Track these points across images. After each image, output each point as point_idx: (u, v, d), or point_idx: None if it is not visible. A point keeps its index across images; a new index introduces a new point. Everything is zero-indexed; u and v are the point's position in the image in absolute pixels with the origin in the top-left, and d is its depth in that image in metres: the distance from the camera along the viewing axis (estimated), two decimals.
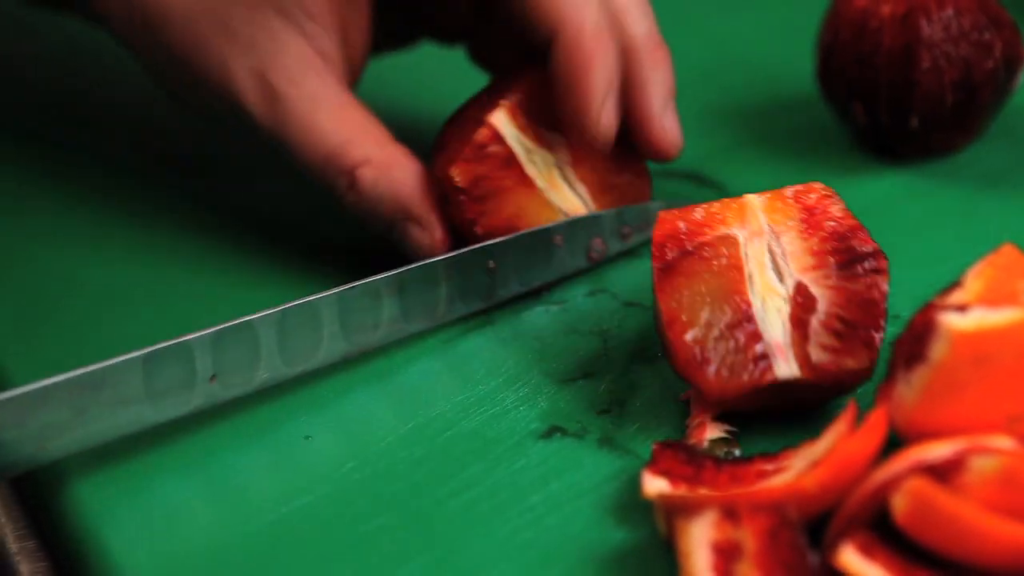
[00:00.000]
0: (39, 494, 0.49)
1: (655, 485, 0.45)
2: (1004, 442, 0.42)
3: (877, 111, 0.60)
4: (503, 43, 0.60)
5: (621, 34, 0.54)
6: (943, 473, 0.41)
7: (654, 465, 0.46)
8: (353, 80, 0.57)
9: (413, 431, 0.49)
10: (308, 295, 0.50)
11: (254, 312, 0.49)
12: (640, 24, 0.55)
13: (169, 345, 0.47)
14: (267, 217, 0.61)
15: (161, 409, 0.47)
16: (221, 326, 0.48)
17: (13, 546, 0.49)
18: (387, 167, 0.54)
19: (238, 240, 0.59)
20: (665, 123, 0.55)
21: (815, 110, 0.64)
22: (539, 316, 0.55)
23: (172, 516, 0.47)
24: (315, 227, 0.60)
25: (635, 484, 0.47)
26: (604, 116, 0.53)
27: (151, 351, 0.47)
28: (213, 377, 0.48)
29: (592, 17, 0.53)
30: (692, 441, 0.48)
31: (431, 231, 0.54)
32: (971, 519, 0.40)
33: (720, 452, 0.48)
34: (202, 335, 0.48)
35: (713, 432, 0.48)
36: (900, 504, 0.41)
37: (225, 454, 0.49)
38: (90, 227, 0.61)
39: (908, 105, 0.59)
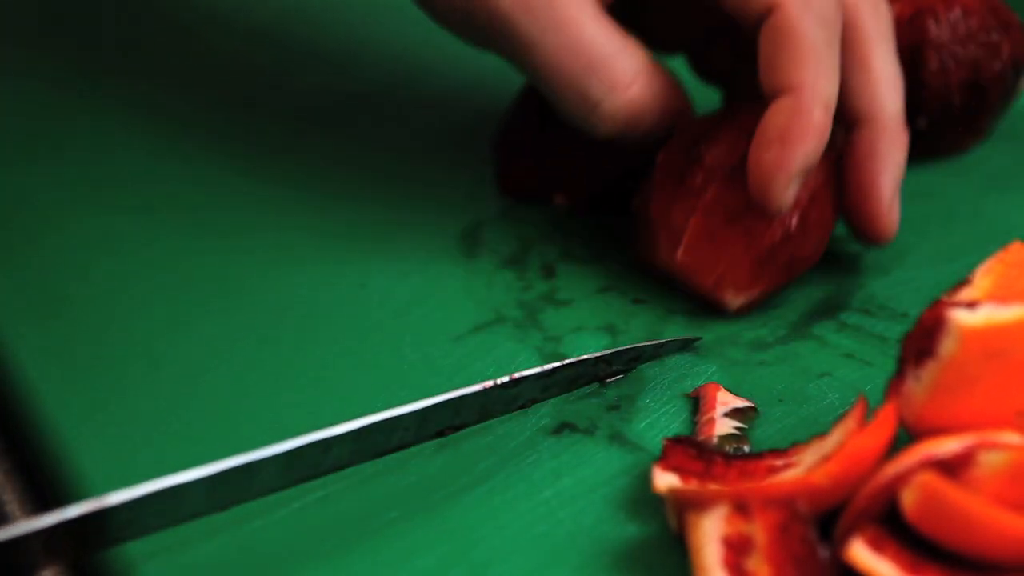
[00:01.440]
0: (52, 489, 0.49)
1: (665, 480, 0.45)
2: (1013, 437, 0.43)
3: None
4: (727, 55, 0.58)
5: (873, 103, 0.53)
6: (952, 468, 0.42)
7: (664, 461, 0.46)
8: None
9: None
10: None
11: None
12: (895, 100, 0.53)
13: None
14: (276, 205, 0.61)
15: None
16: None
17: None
18: (656, 78, 0.52)
19: (246, 228, 0.60)
20: (894, 209, 0.54)
21: None
22: (548, 313, 0.55)
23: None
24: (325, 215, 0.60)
25: (645, 479, 0.47)
26: (788, 189, 0.51)
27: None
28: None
29: (828, 93, 0.50)
30: (702, 437, 0.48)
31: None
32: (980, 513, 0.40)
33: (730, 448, 0.48)
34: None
35: (723, 428, 0.49)
36: (910, 499, 0.41)
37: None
38: (101, 214, 0.61)
39: (916, 106, 0.60)
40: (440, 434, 0.48)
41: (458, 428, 0.49)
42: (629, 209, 0.56)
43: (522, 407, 0.50)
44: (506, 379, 0.49)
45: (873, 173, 0.53)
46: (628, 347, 0.51)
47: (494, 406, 0.49)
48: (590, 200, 0.59)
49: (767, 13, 0.51)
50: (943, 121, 0.60)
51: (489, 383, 0.48)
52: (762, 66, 0.51)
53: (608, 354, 0.51)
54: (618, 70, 0.51)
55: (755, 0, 0.51)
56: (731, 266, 0.52)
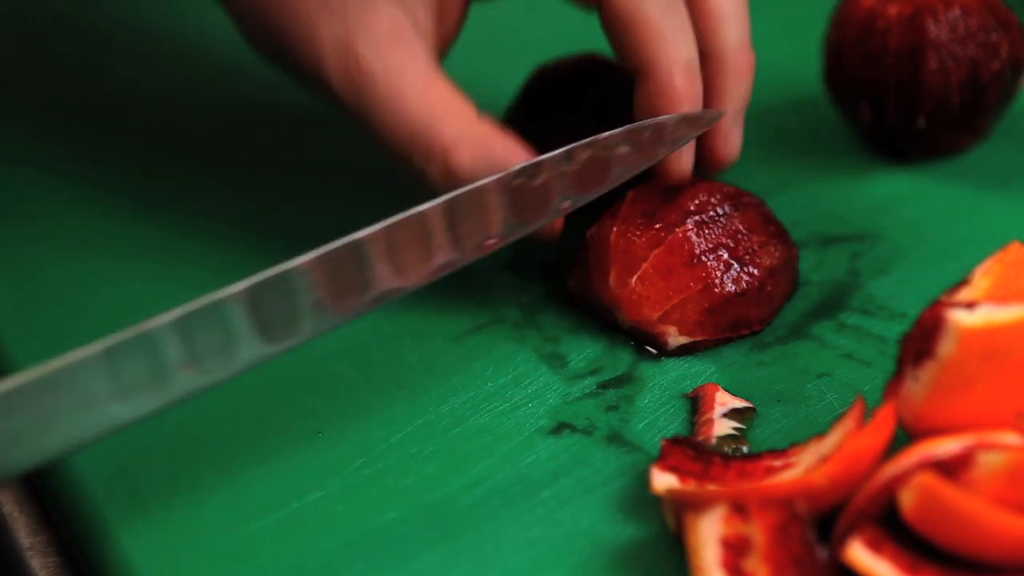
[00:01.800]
0: (50, 491, 0.49)
1: (664, 481, 0.45)
2: (1012, 438, 0.43)
3: (884, 111, 0.60)
4: None
5: (711, 40, 0.53)
6: (951, 469, 0.42)
7: (662, 461, 0.46)
8: (443, 53, 0.54)
9: (423, 427, 0.50)
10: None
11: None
12: (733, 33, 0.53)
13: (133, 336, 0.43)
14: (282, 218, 0.61)
15: (135, 406, 0.43)
16: (187, 309, 0.44)
17: (24, 541, 0.49)
18: (486, 141, 0.51)
19: (248, 231, 0.60)
20: (731, 137, 0.54)
21: (822, 110, 0.64)
22: (547, 314, 0.55)
23: (183, 512, 0.47)
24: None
25: (644, 480, 0.47)
26: (684, 156, 0.53)
27: (113, 344, 0.43)
28: (187, 366, 0.44)
29: (683, 58, 0.51)
30: (700, 437, 0.48)
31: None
32: (979, 514, 0.40)
33: (728, 448, 0.48)
34: (166, 320, 0.43)
35: (721, 428, 0.49)
36: (908, 499, 0.41)
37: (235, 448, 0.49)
38: (98, 218, 0.61)
39: (915, 105, 0.60)
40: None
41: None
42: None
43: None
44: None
45: (711, 104, 0.54)
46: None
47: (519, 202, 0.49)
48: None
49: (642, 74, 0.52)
50: (942, 120, 0.60)
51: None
52: (614, 51, 0.52)
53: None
54: (437, 138, 0.51)
55: (633, 61, 0.52)
56: (681, 306, 0.52)
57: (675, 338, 0.52)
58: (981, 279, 0.46)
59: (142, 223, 0.61)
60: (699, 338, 0.52)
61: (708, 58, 0.53)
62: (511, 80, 0.60)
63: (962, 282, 0.46)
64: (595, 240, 0.54)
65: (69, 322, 0.56)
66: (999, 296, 0.45)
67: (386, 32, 0.51)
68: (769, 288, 0.53)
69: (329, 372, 0.52)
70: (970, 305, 0.43)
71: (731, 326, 0.52)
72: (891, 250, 0.57)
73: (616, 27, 0.51)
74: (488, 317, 0.55)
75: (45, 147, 0.67)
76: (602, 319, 0.53)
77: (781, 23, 0.73)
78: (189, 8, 0.75)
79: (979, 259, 0.47)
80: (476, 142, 0.51)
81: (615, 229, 0.53)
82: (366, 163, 0.64)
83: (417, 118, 0.51)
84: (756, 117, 0.56)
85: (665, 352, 0.52)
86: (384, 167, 0.63)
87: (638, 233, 0.52)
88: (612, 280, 0.52)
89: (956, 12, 0.59)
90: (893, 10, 0.60)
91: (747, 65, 0.54)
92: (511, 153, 0.51)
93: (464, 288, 0.56)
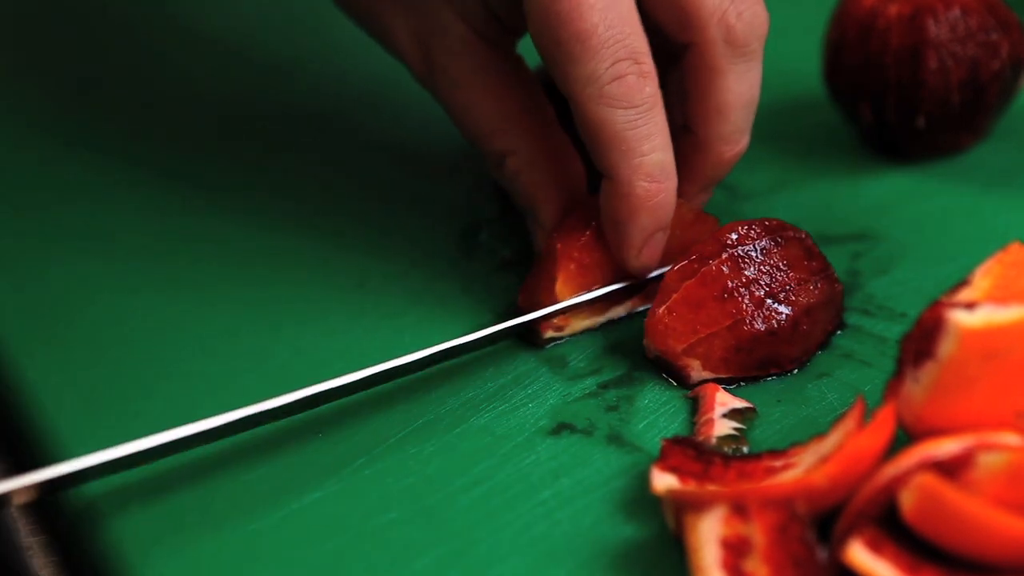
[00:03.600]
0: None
1: (664, 481, 0.45)
2: (1012, 438, 0.43)
3: (884, 110, 0.60)
4: None
5: (700, 128, 0.53)
6: (951, 469, 0.41)
7: (663, 461, 0.46)
8: (509, 56, 0.55)
9: (423, 427, 0.50)
10: None
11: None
12: (727, 124, 0.53)
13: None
14: (274, 207, 0.61)
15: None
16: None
17: (24, 540, 0.49)
18: (530, 164, 0.54)
19: (254, 242, 0.60)
20: (694, 203, 0.55)
21: (822, 110, 0.64)
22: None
23: (183, 512, 0.47)
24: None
25: (644, 480, 0.47)
26: (644, 255, 0.52)
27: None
28: None
29: (646, 167, 0.51)
30: (700, 438, 0.48)
31: (543, 238, 0.54)
32: (979, 515, 0.40)
33: (728, 448, 0.48)
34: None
35: (721, 429, 0.49)
36: (908, 500, 0.41)
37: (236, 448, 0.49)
38: (100, 220, 0.61)
39: (915, 105, 0.60)
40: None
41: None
42: None
43: None
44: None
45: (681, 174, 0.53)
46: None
47: None
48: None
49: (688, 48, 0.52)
50: (942, 120, 0.60)
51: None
52: (588, 152, 0.52)
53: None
54: (496, 145, 0.54)
55: (563, 87, 0.51)
56: (708, 340, 0.51)
57: (698, 372, 0.51)
58: (981, 279, 0.46)
59: (144, 226, 0.61)
60: (723, 375, 0.51)
61: (695, 141, 0.54)
62: None
63: (962, 282, 0.46)
64: (544, 253, 0.54)
65: (70, 324, 0.56)
66: (999, 296, 0.45)
67: (454, 38, 0.53)
68: (804, 327, 0.51)
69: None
70: (970, 305, 0.43)
71: (759, 365, 0.51)
72: (891, 250, 0.57)
73: (583, 132, 0.51)
74: (487, 317, 0.55)
75: (47, 146, 0.67)
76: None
77: (781, 23, 0.73)
78: (190, 9, 0.75)
79: (979, 259, 0.47)
80: (526, 158, 0.54)
81: (559, 243, 0.53)
82: (369, 163, 0.64)
83: (482, 123, 0.54)
84: (756, 117, 0.56)
85: (687, 385, 0.51)
86: (389, 166, 0.64)
87: (671, 263, 0.52)
88: (555, 288, 0.53)
89: (956, 12, 0.59)
90: (893, 10, 0.60)
91: (731, 154, 0.54)
92: (551, 181, 0.54)
93: (464, 288, 0.56)
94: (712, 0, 0.51)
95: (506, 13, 0.53)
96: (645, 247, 0.52)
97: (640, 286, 0.54)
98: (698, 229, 0.54)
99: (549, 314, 0.52)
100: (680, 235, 0.53)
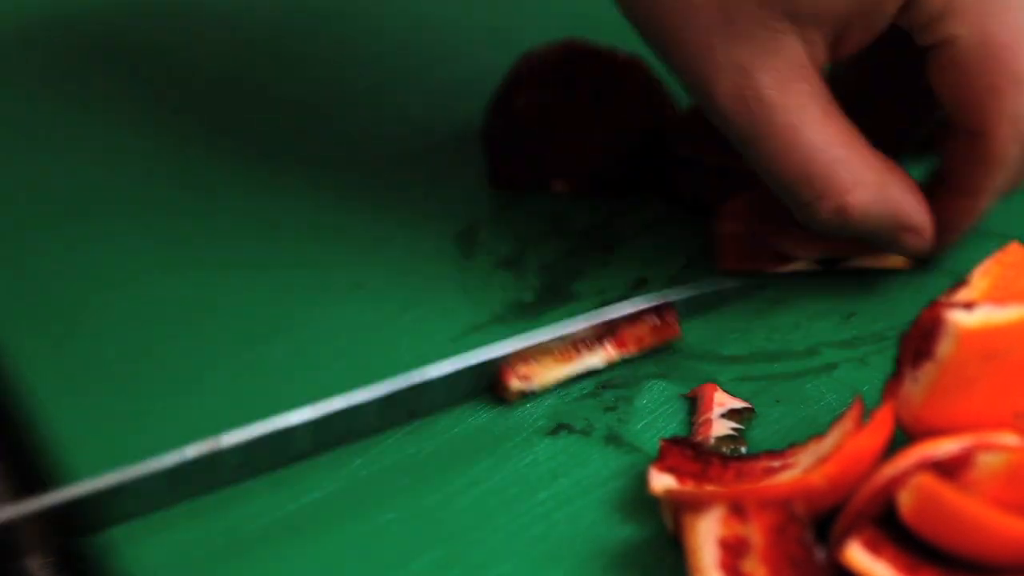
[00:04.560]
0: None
1: (662, 481, 0.45)
2: (1011, 439, 0.43)
3: (893, 112, 0.60)
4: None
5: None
6: (950, 469, 0.41)
7: (661, 461, 0.46)
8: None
9: (421, 427, 0.50)
10: None
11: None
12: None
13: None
14: (271, 207, 0.61)
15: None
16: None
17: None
18: (882, 187, 0.51)
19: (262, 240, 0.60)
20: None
21: None
22: (545, 315, 0.55)
23: (182, 511, 0.47)
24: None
25: (642, 480, 0.47)
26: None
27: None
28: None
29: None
30: (699, 438, 0.48)
31: (925, 235, 0.52)
32: (977, 515, 0.40)
33: (727, 449, 0.48)
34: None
35: (720, 429, 0.49)
36: (907, 500, 0.41)
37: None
38: (100, 216, 0.61)
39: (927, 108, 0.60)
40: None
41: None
42: (631, 189, 0.56)
43: None
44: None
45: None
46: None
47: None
48: (591, 180, 0.59)
49: (973, 136, 0.51)
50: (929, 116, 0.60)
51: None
52: (947, 167, 0.52)
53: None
54: (834, 179, 0.50)
55: (965, 122, 0.50)
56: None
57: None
58: (980, 280, 0.46)
59: (144, 222, 0.61)
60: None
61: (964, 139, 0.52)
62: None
63: (961, 282, 0.46)
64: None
65: (69, 321, 0.56)
66: (998, 297, 0.45)
67: (791, 66, 0.50)
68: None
69: (329, 372, 0.52)
70: (969, 306, 0.43)
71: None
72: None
73: (973, 159, 0.51)
74: (486, 317, 0.55)
75: (48, 143, 0.67)
76: None
77: None
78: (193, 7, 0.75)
79: (978, 258, 0.47)
80: (875, 184, 0.51)
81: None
82: (368, 162, 0.64)
83: (817, 157, 0.50)
84: None
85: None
86: (389, 165, 0.64)
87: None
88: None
89: None
90: None
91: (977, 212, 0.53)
92: (907, 192, 0.52)
93: (462, 288, 0.56)
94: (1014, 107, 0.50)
95: (854, 41, 0.50)
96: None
97: (613, 330, 0.52)
98: None
99: (513, 363, 0.50)
100: None
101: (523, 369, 0.50)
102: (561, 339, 0.51)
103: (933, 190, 0.53)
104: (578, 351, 0.51)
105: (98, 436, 0.50)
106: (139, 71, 0.71)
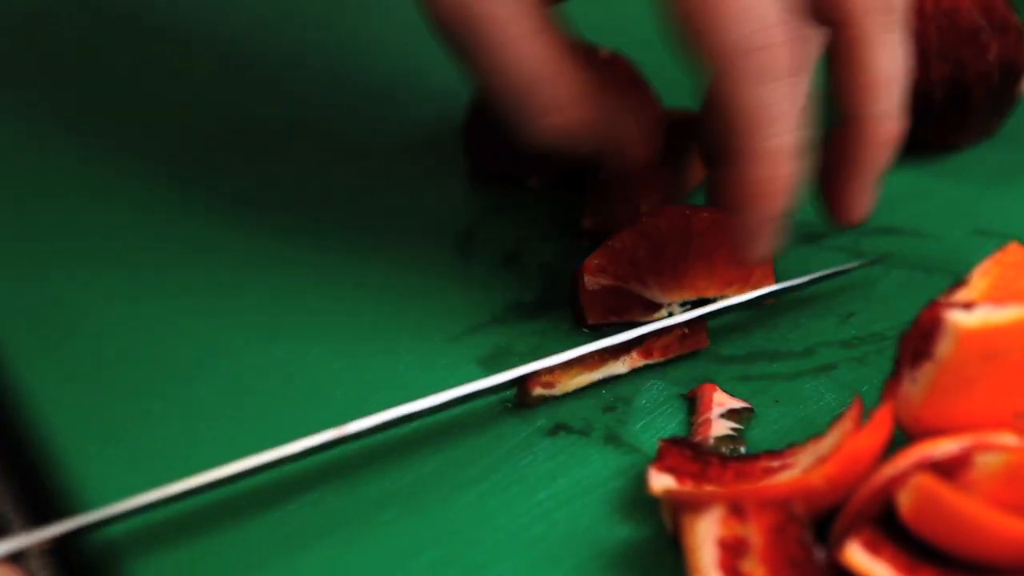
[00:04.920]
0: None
1: (661, 481, 0.45)
2: (1010, 439, 0.43)
3: None
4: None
5: (852, 109, 0.50)
6: (949, 470, 0.41)
7: (660, 462, 0.46)
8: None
9: (420, 427, 0.50)
10: None
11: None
12: (881, 102, 0.50)
13: None
14: (272, 208, 0.61)
15: None
16: None
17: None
18: (590, 108, 0.49)
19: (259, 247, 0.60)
20: (857, 202, 0.52)
21: (823, 106, 0.64)
22: (546, 314, 0.55)
23: (182, 511, 0.47)
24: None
25: (641, 481, 0.47)
26: (761, 242, 0.49)
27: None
28: None
29: (774, 147, 0.47)
30: (698, 438, 0.48)
31: (636, 151, 0.51)
32: (976, 515, 0.40)
33: (726, 449, 0.48)
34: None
35: (719, 429, 0.49)
36: (906, 500, 0.41)
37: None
38: (101, 226, 0.61)
39: None
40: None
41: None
42: (607, 186, 0.56)
43: None
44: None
45: (841, 175, 0.52)
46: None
47: None
48: (566, 177, 0.60)
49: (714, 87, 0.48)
50: (924, 115, 0.60)
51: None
52: (713, 137, 0.50)
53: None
54: (539, 99, 0.49)
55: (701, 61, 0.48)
56: None
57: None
58: (979, 280, 0.46)
59: (146, 232, 0.61)
60: None
61: (847, 122, 0.51)
62: None
63: (960, 282, 0.46)
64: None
65: (71, 330, 0.56)
66: (997, 297, 0.45)
67: None
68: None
69: (328, 372, 0.52)
70: (968, 306, 0.43)
71: None
72: (890, 250, 0.57)
73: (717, 110, 0.48)
74: (486, 317, 0.55)
75: (49, 150, 0.67)
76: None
77: None
78: (190, 14, 0.75)
79: (978, 258, 0.47)
80: (589, 109, 0.50)
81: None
82: (367, 162, 0.64)
83: (521, 74, 0.49)
84: None
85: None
86: (388, 165, 0.64)
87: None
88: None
89: (945, 10, 0.59)
90: None
91: (888, 135, 0.50)
92: (621, 130, 0.50)
93: (462, 288, 0.56)
94: None
95: None
96: (761, 234, 0.49)
97: (640, 340, 0.52)
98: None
99: (538, 371, 0.50)
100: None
101: (546, 376, 0.51)
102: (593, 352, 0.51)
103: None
104: (603, 359, 0.51)
105: (95, 434, 0.50)
106: (138, 86, 0.71)
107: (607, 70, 0.50)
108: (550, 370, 0.50)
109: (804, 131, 0.47)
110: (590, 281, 0.52)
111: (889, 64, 0.50)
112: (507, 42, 0.49)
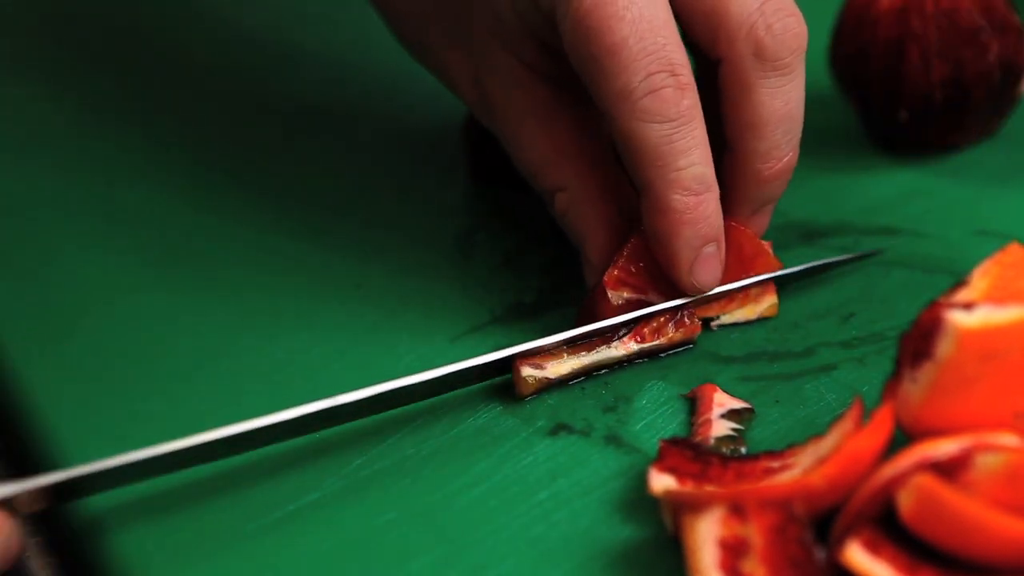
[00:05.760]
0: None
1: (661, 482, 0.45)
2: (1010, 439, 0.43)
3: (869, 102, 0.61)
4: None
5: (738, 144, 0.51)
6: (949, 470, 0.41)
7: (660, 462, 0.46)
8: (565, 90, 0.54)
9: (420, 428, 0.50)
10: None
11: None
12: (765, 140, 0.51)
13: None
14: (272, 208, 0.61)
15: None
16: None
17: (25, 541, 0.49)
18: (579, 202, 0.53)
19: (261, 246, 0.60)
20: (751, 227, 0.53)
21: (828, 106, 0.64)
22: (545, 314, 0.55)
23: (181, 511, 0.47)
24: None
25: (642, 481, 0.47)
26: (697, 272, 0.51)
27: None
28: None
29: (684, 180, 0.49)
30: (698, 438, 0.48)
31: (593, 276, 0.53)
32: (976, 515, 0.40)
33: (726, 449, 0.48)
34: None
35: (719, 429, 0.49)
36: (906, 501, 0.41)
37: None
38: (101, 222, 0.61)
39: (897, 98, 0.60)
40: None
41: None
42: None
43: None
44: None
45: (726, 200, 0.52)
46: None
47: None
48: None
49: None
50: (924, 115, 0.60)
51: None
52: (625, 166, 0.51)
53: None
54: (548, 180, 0.54)
55: (600, 105, 0.50)
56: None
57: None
58: (979, 280, 0.46)
59: (146, 232, 0.61)
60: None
61: (733, 158, 0.52)
62: None
63: (960, 283, 0.46)
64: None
65: (71, 329, 0.56)
66: (997, 297, 0.45)
67: (508, 73, 0.53)
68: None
69: (328, 372, 0.52)
70: (968, 306, 0.43)
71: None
72: (890, 249, 0.57)
73: (620, 150, 0.50)
74: (486, 317, 0.55)
75: (51, 146, 0.67)
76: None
77: None
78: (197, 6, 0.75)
79: (978, 259, 0.47)
80: (575, 195, 0.53)
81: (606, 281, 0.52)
82: (367, 162, 0.64)
83: (532, 156, 0.54)
84: None
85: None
86: (388, 165, 0.64)
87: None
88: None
89: (945, 10, 0.59)
90: (885, 2, 0.60)
91: (770, 172, 0.52)
92: (600, 221, 0.53)
93: (462, 288, 0.56)
94: (740, 14, 0.50)
95: (559, 44, 0.51)
96: (697, 263, 0.50)
97: (634, 322, 0.52)
98: (760, 263, 0.54)
99: (527, 351, 0.50)
100: (738, 267, 0.53)
101: (537, 359, 0.51)
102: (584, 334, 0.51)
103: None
104: (593, 344, 0.51)
105: (95, 432, 0.50)
106: (141, 80, 0.71)
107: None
108: (539, 350, 0.50)
109: (710, 166, 0.50)
110: (614, 296, 0.52)
111: (772, 104, 0.51)
112: (517, 129, 0.54)
